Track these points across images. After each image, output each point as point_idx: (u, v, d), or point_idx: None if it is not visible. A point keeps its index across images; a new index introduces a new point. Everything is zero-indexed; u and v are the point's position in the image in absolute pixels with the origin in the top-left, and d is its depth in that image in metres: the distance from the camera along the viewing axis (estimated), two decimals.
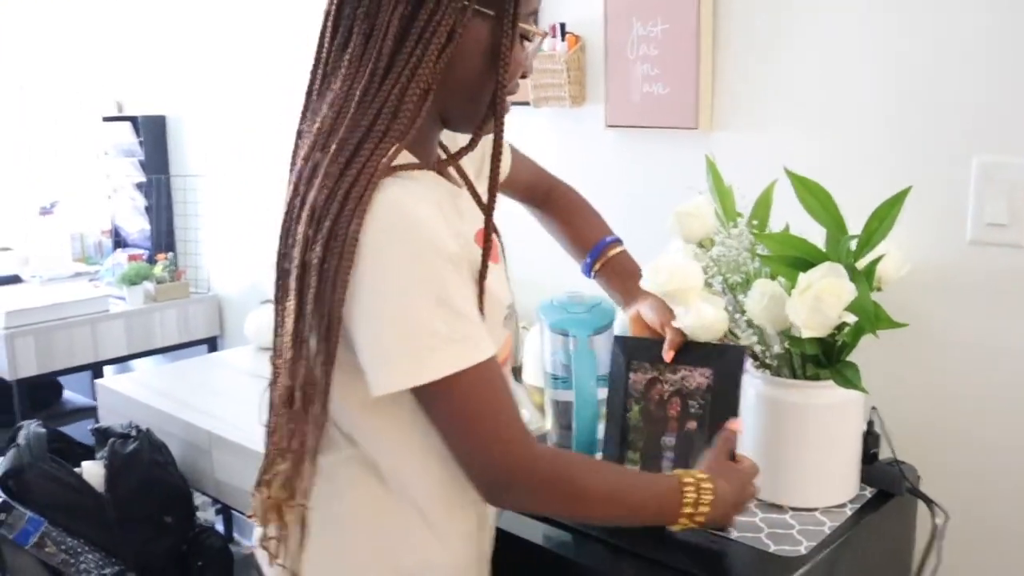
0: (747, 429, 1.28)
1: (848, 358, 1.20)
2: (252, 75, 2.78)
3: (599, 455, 1.29)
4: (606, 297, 1.38)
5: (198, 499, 2.26)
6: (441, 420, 0.95)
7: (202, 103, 3.03)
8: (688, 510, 1.02)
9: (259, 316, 2.54)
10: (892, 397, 1.40)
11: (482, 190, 1.12)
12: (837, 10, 1.47)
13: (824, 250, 1.19)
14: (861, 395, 1.22)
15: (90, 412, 2.93)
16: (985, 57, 1.32)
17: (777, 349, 1.24)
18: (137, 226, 3.26)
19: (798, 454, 1.24)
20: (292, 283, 0.92)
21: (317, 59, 0.98)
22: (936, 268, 1.40)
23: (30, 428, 2.07)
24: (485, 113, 0.98)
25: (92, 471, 2.04)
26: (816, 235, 1.21)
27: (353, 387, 0.94)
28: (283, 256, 0.96)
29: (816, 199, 1.18)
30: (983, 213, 1.35)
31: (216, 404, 2.15)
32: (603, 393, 1.34)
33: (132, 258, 3.10)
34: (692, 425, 1.22)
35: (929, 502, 1.30)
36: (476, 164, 1.13)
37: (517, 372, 1.73)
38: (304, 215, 0.91)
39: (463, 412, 0.93)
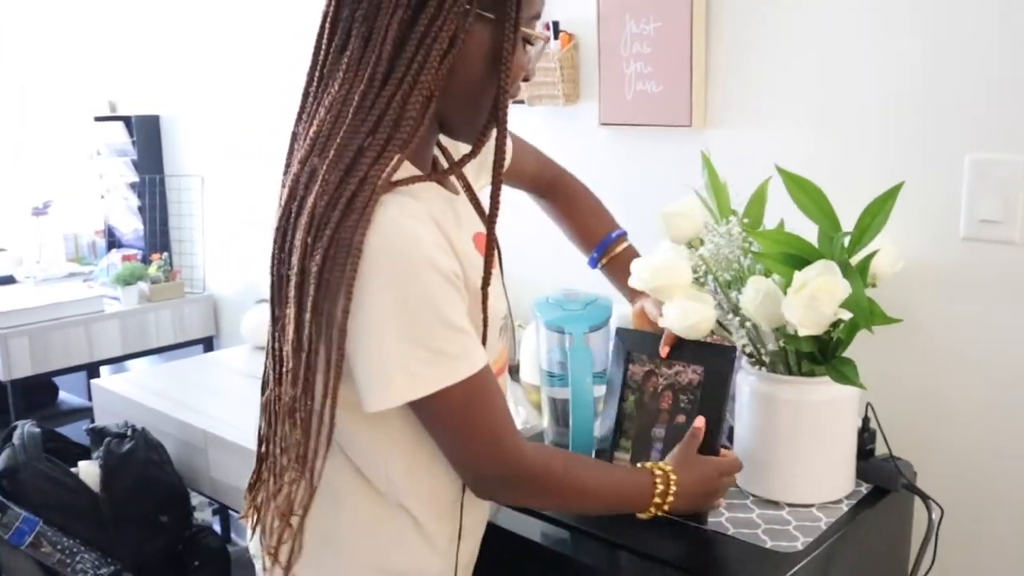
0: (743, 426, 1.28)
1: (843, 354, 1.21)
2: (246, 75, 2.78)
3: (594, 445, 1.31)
4: (602, 294, 1.39)
5: (196, 499, 2.26)
6: (436, 428, 0.97)
7: (196, 102, 3.02)
8: (657, 500, 1.09)
9: (255, 315, 2.54)
10: (887, 393, 1.41)
11: (478, 188, 1.12)
12: (830, 7, 1.47)
13: (818, 247, 1.20)
14: (856, 391, 1.23)
15: (86, 413, 2.93)
16: (979, 55, 1.32)
17: (772, 346, 1.24)
18: (131, 226, 3.25)
19: (794, 450, 1.24)
20: (291, 290, 0.92)
21: (314, 61, 0.97)
22: (930, 264, 1.40)
23: (25, 428, 2.06)
24: (487, 118, 0.98)
25: (88, 471, 2.03)
26: (811, 232, 1.21)
27: (344, 395, 0.94)
28: (279, 261, 0.95)
29: (808, 196, 1.19)
30: (976, 210, 1.35)
31: (212, 403, 2.15)
32: (599, 390, 1.35)
33: (126, 258, 3.09)
34: (681, 419, 1.25)
35: (925, 498, 1.31)
36: (475, 165, 1.11)
37: (514, 370, 1.73)
38: (303, 221, 0.90)
39: (458, 420, 0.95)
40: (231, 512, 2.71)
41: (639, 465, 1.14)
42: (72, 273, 3.25)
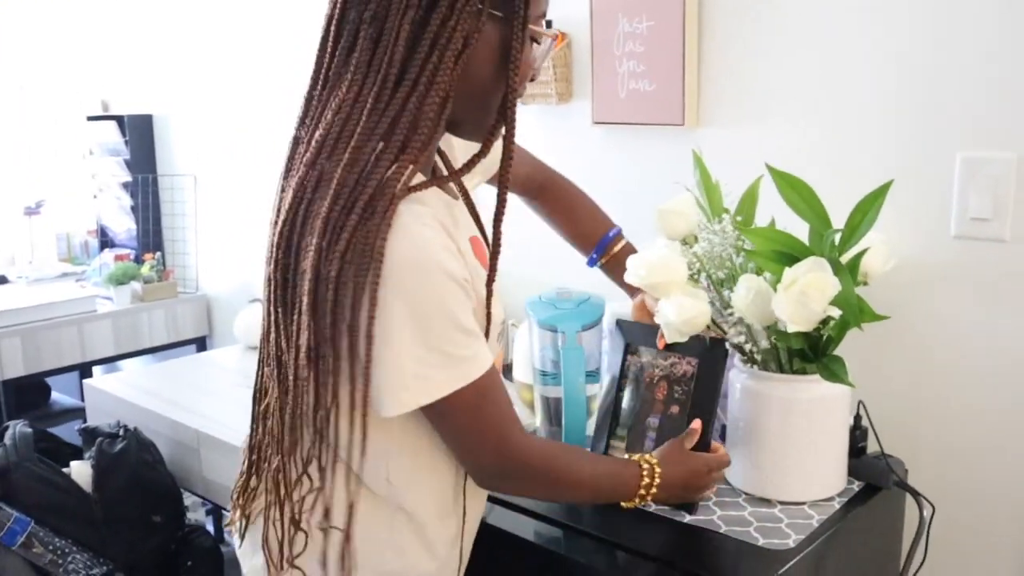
0: (736, 424, 1.29)
1: (835, 352, 1.21)
2: (239, 74, 2.77)
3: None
4: (594, 293, 1.39)
5: (188, 499, 2.25)
6: (445, 427, 0.98)
7: (189, 102, 3.02)
8: (642, 491, 1.13)
9: (248, 315, 2.54)
10: (879, 391, 1.41)
11: (470, 188, 1.12)
12: (823, 6, 1.47)
13: (808, 244, 1.20)
14: (848, 389, 1.23)
15: (79, 413, 2.92)
16: (970, 53, 1.33)
17: (764, 344, 1.24)
18: (123, 226, 3.24)
19: (786, 448, 1.24)
20: (303, 296, 0.90)
21: (319, 64, 0.96)
22: (921, 263, 1.41)
23: (16, 428, 2.05)
24: (496, 118, 0.97)
25: (80, 471, 2.03)
26: (803, 230, 1.21)
27: (343, 400, 0.94)
28: (284, 265, 0.94)
29: (798, 194, 1.19)
30: (967, 208, 1.36)
31: (205, 403, 2.14)
32: (592, 389, 1.35)
33: (119, 258, 3.08)
34: (675, 409, 1.27)
35: (916, 495, 1.31)
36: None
37: (507, 369, 1.73)
38: (317, 224, 0.89)
39: (468, 419, 0.97)
40: (224, 512, 2.70)
41: (628, 457, 1.17)
42: (65, 273, 3.25)
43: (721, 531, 1.19)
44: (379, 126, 0.90)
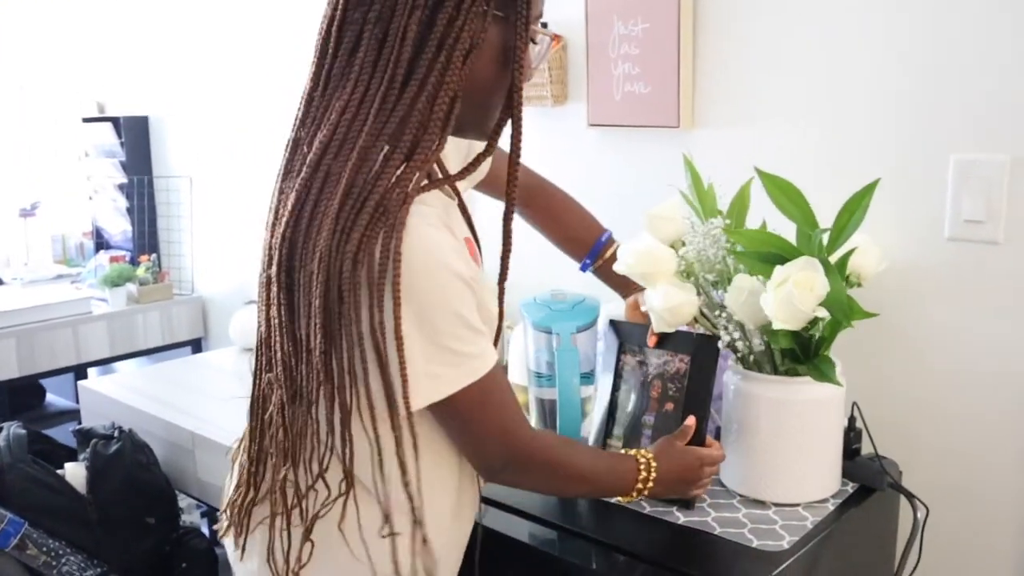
0: (730, 424, 1.29)
1: (829, 355, 1.21)
2: (234, 76, 2.77)
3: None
4: (589, 295, 1.39)
5: (183, 501, 2.25)
6: (452, 423, 1.00)
7: (184, 103, 3.02)
8: (639, 485, 1.14)
9: (243, 317, 2.53)
10: (873, 392, 1.42)
11: (463, 187, 1.12)
12: (817, 10, 1.47)
13: (797, 245, 1.20)
14: (842, 391, 1.23)
15: (74, 415, 2.91)
16: (963, 56, 1.33)
17: (758, 345, 1.24)
18: (119, 227, 3.24)
19: (780, 449, 1.24)
20: (314, 299, 0.89)
21: (319, 65, 0.95)
22: (914, 265, 1.41)
23: (10, 429, 2.05)
24: (498, 116, 0.98)
25: (74, 472, 2.02)
26: (794, 232, 1.21)
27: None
28: (288, 268, 0.93)
29: (786, 195, 1.19)
30: (960, 210, 1.36)
31: (199, 405, 2.14)
32: (586, 391, 1.35)
33: (114, 259, 3.08)
34: (670, 406, 1.29)
35: (910, 496, 1.31)
36: (460, 162, 1.11)
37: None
38: (325, 225, 0.89)
39: (474, 415, 0.98)
40: (219, 514, 2.70)
41: (624, 451, 1.18)
42: (60, 275, 3.24)
43: (715, 532, 1.19)
44: (387, 126, 0.90)
